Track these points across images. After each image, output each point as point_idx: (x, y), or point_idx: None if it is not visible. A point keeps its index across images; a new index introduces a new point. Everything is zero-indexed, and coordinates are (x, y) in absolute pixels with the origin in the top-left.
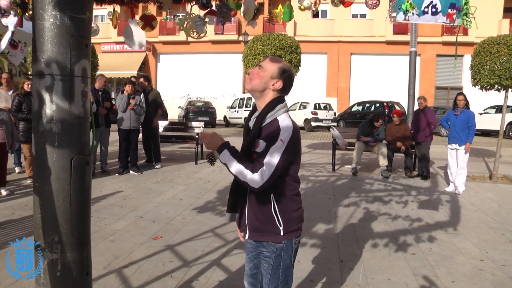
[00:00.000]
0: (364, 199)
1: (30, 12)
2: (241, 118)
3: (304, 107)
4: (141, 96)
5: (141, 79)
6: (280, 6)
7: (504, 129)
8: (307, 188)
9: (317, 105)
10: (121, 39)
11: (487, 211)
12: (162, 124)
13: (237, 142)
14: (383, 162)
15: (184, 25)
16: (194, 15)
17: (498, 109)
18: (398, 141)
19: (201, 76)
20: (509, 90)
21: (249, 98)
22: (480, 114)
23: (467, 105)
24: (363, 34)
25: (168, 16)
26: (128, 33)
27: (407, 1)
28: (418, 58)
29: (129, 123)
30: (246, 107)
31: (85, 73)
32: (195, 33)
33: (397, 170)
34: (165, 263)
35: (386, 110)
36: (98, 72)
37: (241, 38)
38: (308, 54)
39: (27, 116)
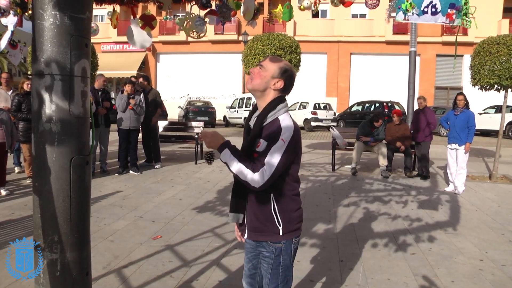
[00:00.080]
0: (364, 199)
1: (30, 12)
2: (241, 118)
3: (304, 107)
4: (141, 96)
5: (141, 79)
6: (279, 6)
7: (504, 129)
8: (307, 188)
9: (316, 105)
10: (121, 39)
11: (486, 211)
12: (162, 124)
13: (237, 142)
14: (383, 162)
15: (184, 25)
16: (194, 15)
17: (498, 109)
18: (397, 141)
19: (201, 76)
20: (509, 90)
21: (249, 98)
22: (480, 114)
23: (467, 105)
24: (363, 34)
25: (168, 16)
26: (132, 33)
27: (407, 1)
28: (418, 58)
29: (128, 123)
30: (245, 107)
31: (84, 73)
32: (195, 33)
33: (396, 170)
34: (164, 263)
35: (385, 110)
36: (98, 72)
37: (241, 38)
38: (307, 54)
39: (26, 116)
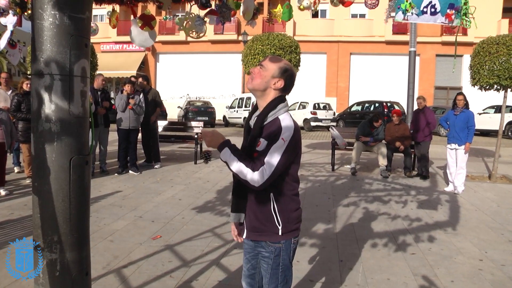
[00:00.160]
0: (363, 199)
1: (29, 12)
2: (241, 118)
3: (304, 107)
4: (141, 96)
5: (140, 79)
6: (279, 6)
7: (503, 129)
8: (307, 188)
9: (316, 105)
10: (121, 38)
11: (486, 211)
12: (161, 124)
13: (237, 142)
14: (383, 162)
15: (184, 25)
16: (193, 15)
17: (497, 109)
18: (397, 141)
19: (201, 76)
20: (508, 90)
21: (248, 98)
22: (479, 114)
23: (466, 105)
24: (363, 34)
25: (167, 16)
26: (135, 32)
27: (406, 1)
28: (417, 58)
29: (128, 123)
30: (245, 107)
31: (84, 73)
32: (194, 33)
33: (396, 170)
34: (164, 263)
35: (385, 110)
36: (97, 72)
37: (240, 38)
38: (307, 54)
39: (26, 115)
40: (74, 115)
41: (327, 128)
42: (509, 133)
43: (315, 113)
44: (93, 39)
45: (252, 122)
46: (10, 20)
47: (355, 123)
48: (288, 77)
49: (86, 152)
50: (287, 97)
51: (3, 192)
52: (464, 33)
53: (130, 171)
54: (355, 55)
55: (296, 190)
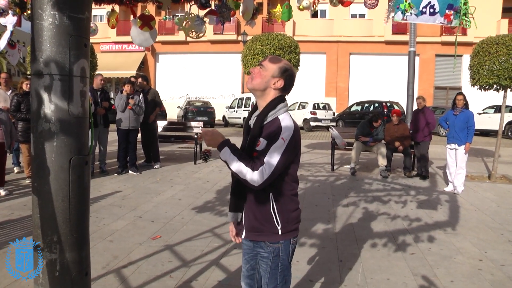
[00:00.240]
0: (363, 199)
1: (29, 12)
2: (240, 118)
3: (303, 107)
4: (140, 96)
5: (139, 79)
6: (279, 6)
7: (503, 129)
8: (306, 188)
9: (316, 105)
10: (120, 39)
11: (486, 211)
12: (161, 124)
13: (237, 142)
14: (382, 162)
15: (183, 25)
16: (193, 15)
17: (497, 109)
18: (397, 141)
19: (200, 76)
20: (508, 90)
21: (248, 98)
22: (479, 114)
23: (466, 105)
24: (362, 34)
25: (167, 16)
26: (135, 32)
27: (406, 1)
28: (417, 58)
29: (128, 123)
30: (245, 107)
31: (84, 73)
32: (194, 33)
33: (396, 170)
34: (164, 263)
35: (385, 110)
36: (97, 72)
37: (240, 38)
38: (307, 54)
39: (25, 116)
40: (73, 115)
41: (326, 128)
42: (509, 133)
43: (314, 113)
44: (92, 39)
45: (251, 122)
46: (9, 20)
47: (354, 123)
48: (288, 77)
49: (86, 152)
50: (286, 97)
51: (3, 192)
52: (464, 33)
53: (129, 171)
54: (355, 55)
55: (295, 190)
